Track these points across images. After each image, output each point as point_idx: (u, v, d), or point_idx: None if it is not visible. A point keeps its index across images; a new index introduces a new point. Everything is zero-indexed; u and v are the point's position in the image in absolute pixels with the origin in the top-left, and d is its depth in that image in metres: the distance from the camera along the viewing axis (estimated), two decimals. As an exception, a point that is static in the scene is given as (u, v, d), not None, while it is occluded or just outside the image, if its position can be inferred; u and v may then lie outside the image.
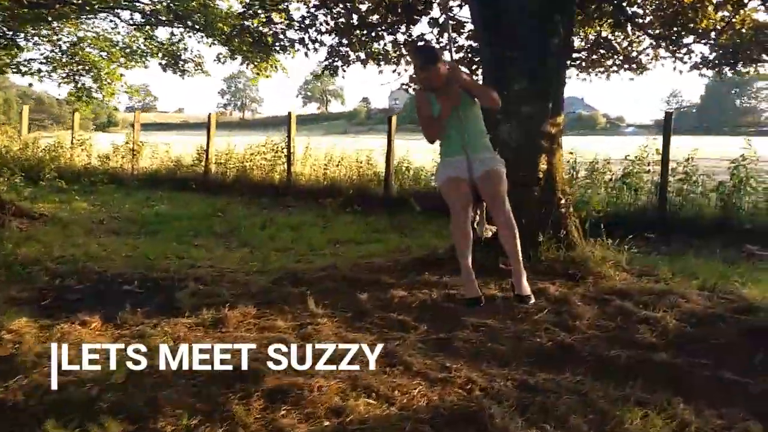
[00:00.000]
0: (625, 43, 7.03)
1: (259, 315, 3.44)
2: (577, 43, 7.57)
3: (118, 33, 10.73)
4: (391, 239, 6.27)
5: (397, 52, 7.35)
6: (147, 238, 6.31)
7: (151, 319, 3.34)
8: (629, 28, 6.49)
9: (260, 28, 7.21)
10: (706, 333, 2.89)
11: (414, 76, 3.63)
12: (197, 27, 8.32)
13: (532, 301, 3.32)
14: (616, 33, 6.84)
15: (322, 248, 5.92)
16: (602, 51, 7.14)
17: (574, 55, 7.56)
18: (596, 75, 7.87)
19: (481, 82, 4.60)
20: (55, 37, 9.03)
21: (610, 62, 7.39)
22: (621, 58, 7.15)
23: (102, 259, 4.97)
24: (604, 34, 7.02)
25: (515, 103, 4.29)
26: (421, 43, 6.68)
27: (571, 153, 7.93)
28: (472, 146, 3.47)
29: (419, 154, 9.43)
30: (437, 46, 6.84)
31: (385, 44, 7.24)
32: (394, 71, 7.51)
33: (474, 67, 6.79)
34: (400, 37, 7.09)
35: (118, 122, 72.45)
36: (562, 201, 4.50)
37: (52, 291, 3.96)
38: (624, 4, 5.93)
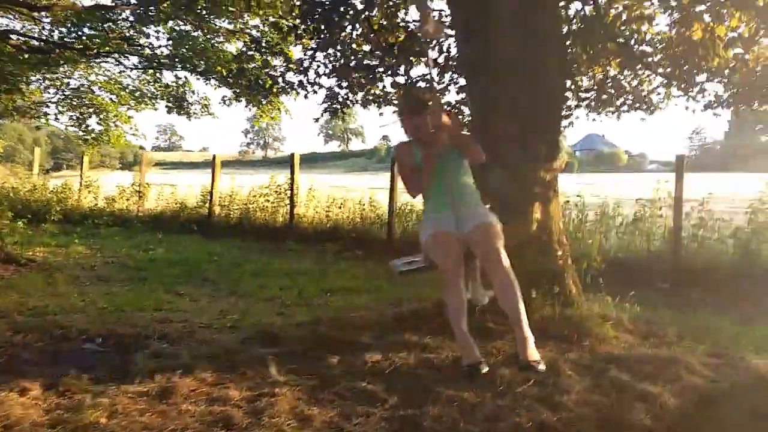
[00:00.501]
0: (635, 83, 6.75)
1: (215, 381, 3.13)
2: (585, 83, 7.36)
3: (128, 76, 10.83)
4: (385, 289, 5.94)
5: (398, 94, 7.19)
6: (133, 285, 6.09)
7: (98, 386, 3.05)
8: (638, 67, 6.22)
9: (258, 71, 7.12)
10: (709, 415, 2.51)
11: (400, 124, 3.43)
12: (198, 71, 8.29)
13: (542, 368, 3.00)
14: (625, 72, 6.57)
15: (311, 298, 5.63)
16: (611, 91, 6.87)
17: (583, 95, 7.34)
18: (606, 115, 7.60)
19: (469, 131, 4.36)
20: (58, 82, 9.07)
21: (619, 102, 7.11)
22: (631, 97, 6.87)
23: (75, 311, 4.73)
24: (612, 73, 6.76)
25: (505, 149, 4.01)
26: (407, 89, 6.53)
27: (579, 196, 7.58)
28: (459, 200, 3.19)
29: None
30: (434, 88, 6.66)
31: (384, 86, 7.10)
32: (395, 112, 7.34)
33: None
34: (400, 79, 6.94)
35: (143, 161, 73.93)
36: (559, 253, 4.16)
37: (9, 348, 3.71)
38: (632, 42, 5.67)
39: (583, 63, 6.55)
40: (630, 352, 3.39)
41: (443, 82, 6.85)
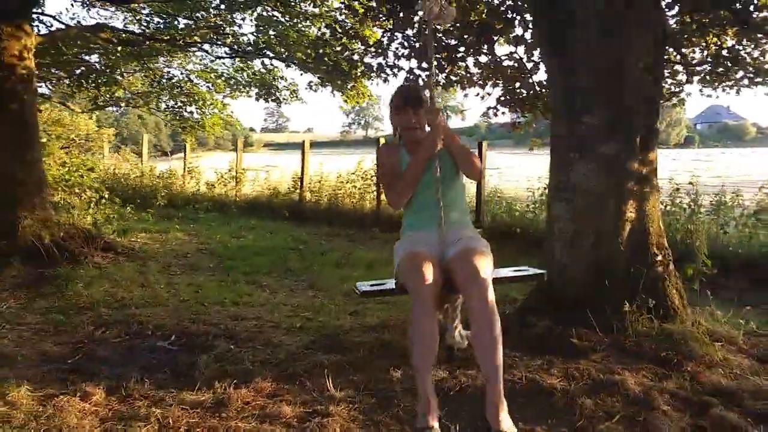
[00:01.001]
0: (756, 53, 5.87)
1: (272, 393, 3.00)
2: (697, 54, 6.59)
3: (224, 64, 11.09)
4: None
5: (483, 74, 6.76)
6: (219, 275, 6.18)
7: (159, 390, 3.03)
8: (758, 36, 5.37)
9: (336, 56, 6.94)
10: None
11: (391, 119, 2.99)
12: (281, 57, 8.27)
13: None
14: (744, 42, 5.72)
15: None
16: (728, 63, 6.03)
17: (695, 68, 6.57)
18: (723, 90, 6.74)
19: (551, 116, 3.89)
20: (152, 73, 9.41)
21: (738, 75, 6.23)
22: (752, 70, 5.99)
23: (158, 304, 4.84)
24: (729, 43, 5.91)
25: (592, 141, 3.55)
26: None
27: (692, 182, 6.77)
28: (448, 218, 2.73)
29: (514, 178, 8.65)
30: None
31: (466, 66, 6.70)
32: (477, 95, 6.96)
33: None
34: (483, 59, 6.51)
35: (253, 143, 77.49)
36: (659, 257, 3.64)
37: (86, 345, 3.82)
38: (750, 8, 4.87)
39: (693, 33, 5.78)
40: (742, 382, 2.86)
41: (532, 61, 6.35)
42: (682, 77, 6.96)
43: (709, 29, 5.45)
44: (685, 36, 6.15)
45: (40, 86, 10.87)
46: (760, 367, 3.11)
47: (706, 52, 6.43)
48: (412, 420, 2.69)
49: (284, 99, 10.80)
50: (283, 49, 8.11)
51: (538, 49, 5.59)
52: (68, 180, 9.33)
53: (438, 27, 3.08)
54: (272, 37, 8.62)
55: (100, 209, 9.26)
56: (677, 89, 7.11)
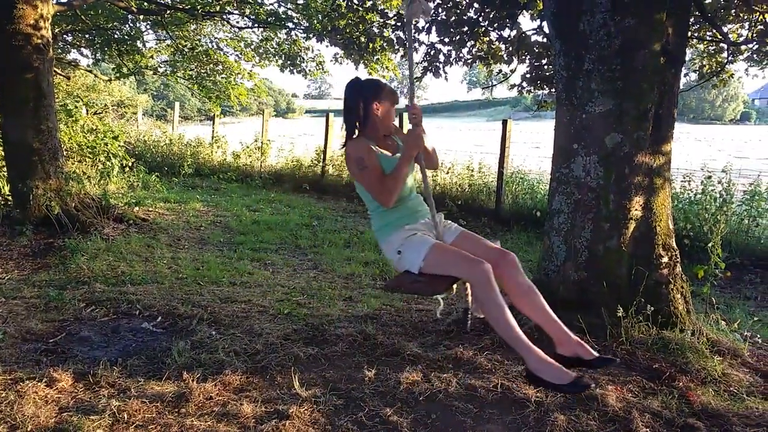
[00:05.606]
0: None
1: (238, 387, 2.91)
2: (744, 32, 6.17)
3: (253, 33, 10.95)
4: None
5: (509, 49, 6.42)
6: (226, 251, 6.13)
7: (127, 379, 2.98)
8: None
9: (352, 29, 6.69)
10: None
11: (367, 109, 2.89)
12: (301, 28, 8.06)
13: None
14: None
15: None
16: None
17: (742, 47, 6.14)
18: (771, 70, 6.24)
19: (557, 104, 3.61)
20: (175, 40, 9.31)
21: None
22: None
23: (155, 281, 4.81)
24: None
25: (596, 130, 3.26)
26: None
27: (725, 171, 6.32)
28: (434, 208, 2.88)
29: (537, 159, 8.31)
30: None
31: (490, 41, 6.35)
32: (500, 72, 6.62)
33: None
34: (508, 33, 6.17)
35: (295, 109, 77.44)
36: (665, 259, 3.37)
37: (71, 324, 3.81)
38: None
39: (739, 7, 5.32)
40: (734, 403, 2.61)
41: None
42: (724, 55, 6.49)
43: (754, 5, 5.00)
44: (731, 12, 5.70)
45: (71, 53, 11.00)
46: (762, 385, 2.85)
47: (752, 30, 5.97)
48: (375, 426, 2.57)
49: (310, 71, 10.61)
50: (304, 20, 7.90)
51: (546, 28, 5.24)
52: (94, 147, 9.43)
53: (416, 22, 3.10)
54: (293, 7, 8.41)
55: (124, 178, 9.38)
56: (717, 68, 6.63)
